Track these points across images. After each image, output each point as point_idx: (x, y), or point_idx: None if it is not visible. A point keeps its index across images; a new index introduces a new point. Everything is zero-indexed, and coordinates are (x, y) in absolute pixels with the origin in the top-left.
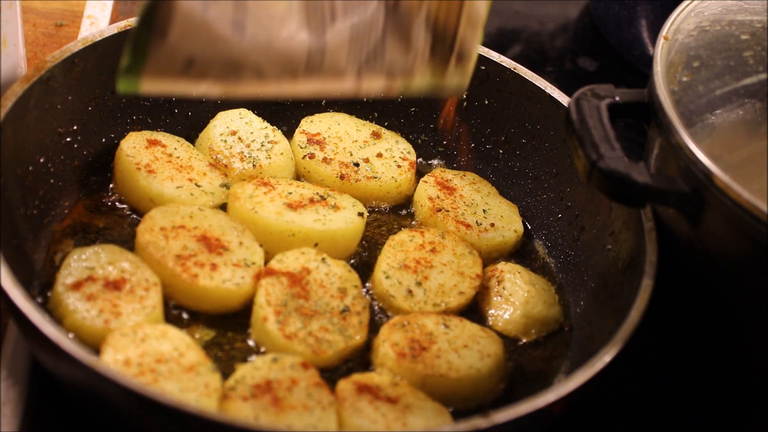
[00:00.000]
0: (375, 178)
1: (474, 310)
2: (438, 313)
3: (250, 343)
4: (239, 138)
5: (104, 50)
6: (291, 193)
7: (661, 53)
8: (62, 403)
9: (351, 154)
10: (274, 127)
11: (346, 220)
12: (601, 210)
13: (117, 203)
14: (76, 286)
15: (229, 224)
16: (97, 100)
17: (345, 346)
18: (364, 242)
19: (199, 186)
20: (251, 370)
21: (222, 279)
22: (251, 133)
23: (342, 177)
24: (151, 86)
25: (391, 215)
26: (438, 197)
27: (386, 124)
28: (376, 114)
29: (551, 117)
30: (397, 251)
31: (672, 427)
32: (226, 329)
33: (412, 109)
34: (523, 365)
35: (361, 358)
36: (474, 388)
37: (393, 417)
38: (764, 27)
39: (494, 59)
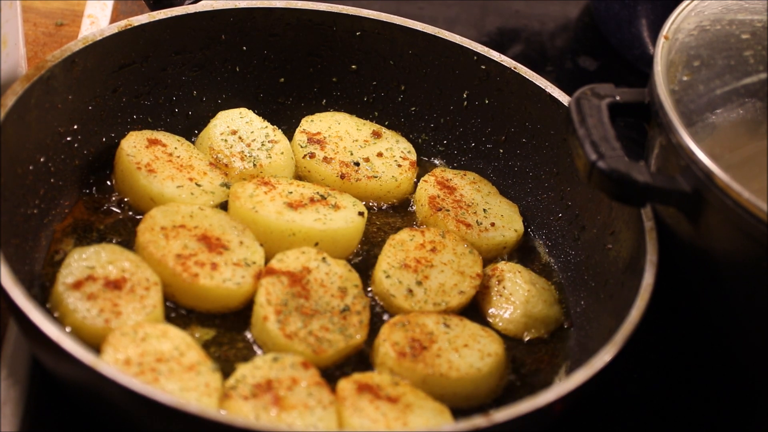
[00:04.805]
0: (375, 177)
1: (474, 309)
2: (438, 313)
3: (251, 342)
4: (240, 137)
5: (104, 50)
6: (291, 192)
7: (661, 53)
8: (62, 403)
9: (351, 154)
10: (275, 126)
11: (347, 219)
12: (602, 209)
13: (117, 202)
14: (77, 285)
15: (230, 224)
16: (98, 99)
17: (345, 346)
18: (364, 241)
19: (199, 185)
20: (252, 370)
21: (222, 278)
22: (252, 132)
23: (342, 176)
24: None
25: (391, 215)
26: (438, 196)
27: (387, 123)
28: (376, 113)
29: (552, 116)
30: (397, 250)
31: (672, 427)
32: (227, 329)
33: (413, 108)
34: (523, 364)
35: (361, 358)
36: (474, 388)
37: (393, 416)
38: (764, 26)
39: (494, 59)
